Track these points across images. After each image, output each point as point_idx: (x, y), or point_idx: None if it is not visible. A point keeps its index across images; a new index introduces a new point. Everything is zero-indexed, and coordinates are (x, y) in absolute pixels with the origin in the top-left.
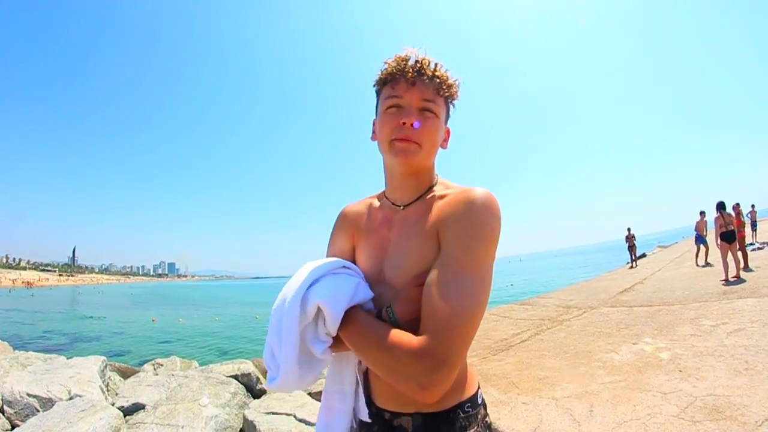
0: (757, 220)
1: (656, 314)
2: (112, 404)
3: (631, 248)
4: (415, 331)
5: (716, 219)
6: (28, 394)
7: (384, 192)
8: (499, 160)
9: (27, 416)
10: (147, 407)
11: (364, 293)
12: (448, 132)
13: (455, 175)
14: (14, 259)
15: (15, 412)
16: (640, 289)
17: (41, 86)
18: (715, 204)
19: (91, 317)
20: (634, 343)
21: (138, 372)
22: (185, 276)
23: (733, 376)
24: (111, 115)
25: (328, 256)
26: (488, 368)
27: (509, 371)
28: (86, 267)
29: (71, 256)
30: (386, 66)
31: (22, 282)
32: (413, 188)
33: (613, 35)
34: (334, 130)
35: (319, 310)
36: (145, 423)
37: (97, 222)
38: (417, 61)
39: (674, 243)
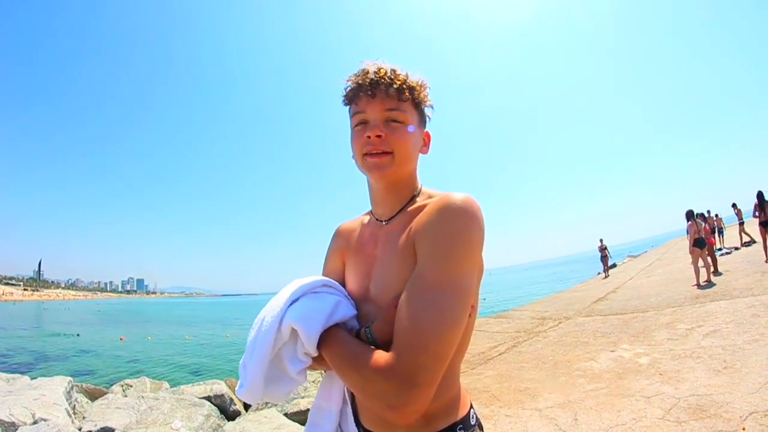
0: (723, 226)
1: (631, 321)
2: (79, 429)
3: (604, 258)
4: None
5: (690, 226)
6: None
7: (371, 210)
8: (464, 175)
9: None
10: (116, 431)
11: (345, 311)
12: (427, 135)
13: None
14: None
15: None
16: (613, 297)
17: (7, 94)
18: (684, 213)
19: (65, 335)
20: (612, 351)
21: (106, 393)
22: (154, 293)
23: (713, 375)
24: (81, 129)
25: (322, 274)
26: (468, 382)
27: (489, 384)
28: (52, 282)
29: (37, 269)
30: (348, 83)
31: None
32: (394, 201)
33: (580, 48)
34: (309, 146)
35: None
36: None
37: (64, 235)
38: (374, 73)
39: (644, 252)
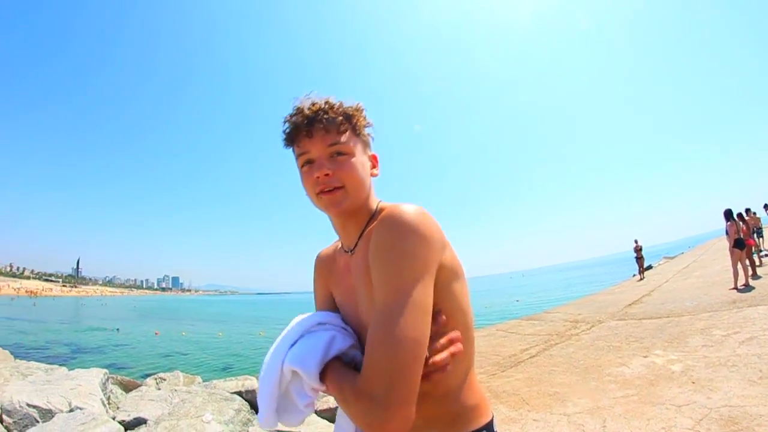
0: (762, 226)
1: (666, 326)
2: (113, 418)
3: (639, 260)
4: None
5: (729, 226)
6: (28, 404)
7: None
8: (499, 175)
9: (26, 426)
10: (149, 422)
11: (341, 344)
12: (375, 158)
13: (456, 191)
14: (18, 268)
15: (14, 422)
16: (648, 301)
17: (45, 92)
18: (723, 212)
19: (104, 329)
20: (644, 356)
21: (140, 386)
22: (189, 290)
23: (748, 385)
24: (117, 126)
25: (316, 304)
26: (497, 385)
27: (519, 387)
28: (90, 279)
29: (75, 267)
30: (285, 125)
31: (26, 291)
32: (354, 230)
33: (613, 41)
34: None
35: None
36: None
37: (102, 234)
38: (309, 109)
39: (680, 254)
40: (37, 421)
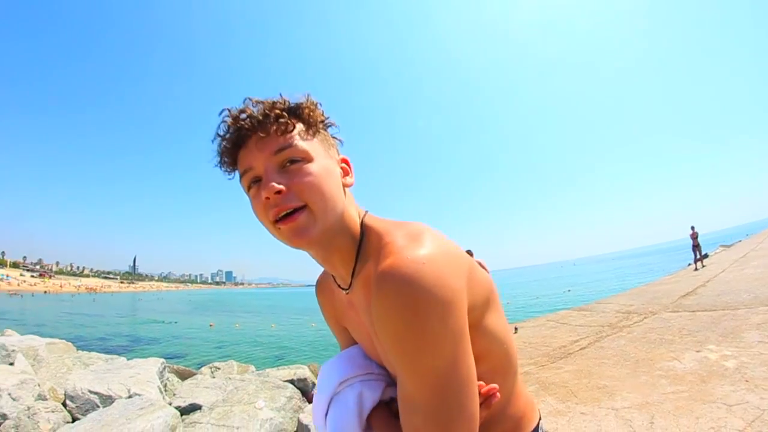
0: None
1: (721, 319)
2: (170, 404)
3: (696, 248)
4: None
5: None
6: (90, 391)
7: None
8: (549, 164)
9: (87, 411)
10: (203, 408)
11: (372, 393)
12: (346, 162)
13: (506, 179)
14: (78, 267)
15: (76, 406)
16: (702, 292)
17: (97, 91)
18: None
19: (163, 322)
20: (697, 351)
21: (195, 374)
22: (242, 284)
23: None
24: (161, 127)
25: (333, 333)
26: (546, 376)
27: (568, 380)
28: (146, 275)
29: (132, 264)
30: (218, 146)
31: (86, 288)
32: (340, 266)
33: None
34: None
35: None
36: (200, 423)
37: (157, 232)
38: (240, 118)
39: (738, 241)
40: (98, 406)
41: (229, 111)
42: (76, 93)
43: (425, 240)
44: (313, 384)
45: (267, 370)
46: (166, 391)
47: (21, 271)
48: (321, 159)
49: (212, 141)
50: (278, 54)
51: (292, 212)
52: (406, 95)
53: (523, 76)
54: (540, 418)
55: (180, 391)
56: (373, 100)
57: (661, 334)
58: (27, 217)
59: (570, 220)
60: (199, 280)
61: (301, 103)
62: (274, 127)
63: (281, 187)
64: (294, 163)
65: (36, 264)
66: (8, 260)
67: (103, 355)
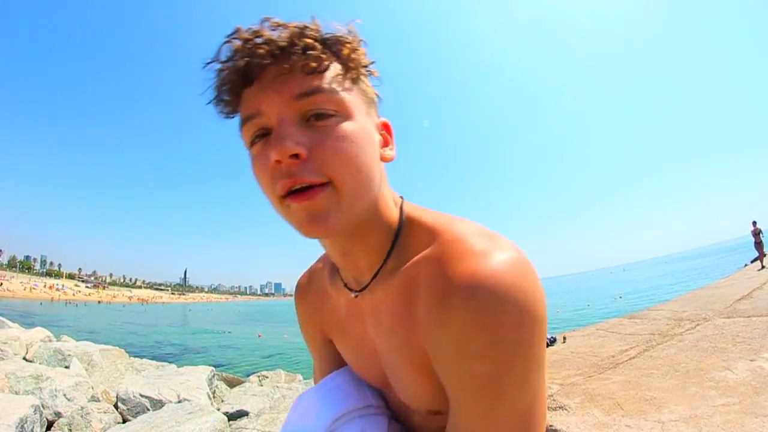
0: None
1: None
2: (218, 409)
3: (758, 245)
4: None
5: None
6: (141, 395)
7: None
8: (599, 166)
9: (138, 413)
10: (250, 414)
11: (379, 429)
12: (387, 128)
13: (552, 184)
14: (131, 279)
15: (127, 409)
16: (759, 295)
17: (143, 99)
18: None
19: (215, 332)
20: (751, 360)
21: (243, 382)
22: (291, 295)
23: None
24: (212, 135)
25: (310, 348)
26: (593, 387)
27: (615, 391)
28: (196, 287)
29: (183, 276)
30: (219, 70)
31: (138, 299)
32: (364, 261)
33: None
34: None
35: None
36: (247, 428)
37: (207, 244)
38: (255, 40)
39: None
40: (148, 409)
41: (240, 30)
42: (122, 105)
43: (506, 242)
44: None
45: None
46: (214, 397)
47: (76, 282)
48: (360, 118)
49: (205, 65)
50: None
51: (308, 188)
52: (449, 94)
53: (566, 78)
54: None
55: (228, 397)
56: (413, 101)
57: (714, 342)
58: (82, 230)
59: (617, 224)
60: (248, 292)
61: (342, 36)
62: (301, 62)
63: (300, 150)
64: (322, 117)
65: (90, 275)
66: (64, 272)
67: (154, 362)
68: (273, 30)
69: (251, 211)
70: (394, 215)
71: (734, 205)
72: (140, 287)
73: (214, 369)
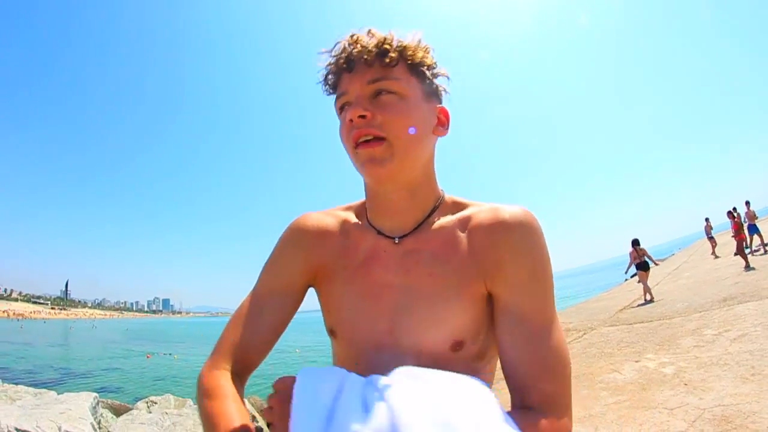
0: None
1: (657, 329)
2: None
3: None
4: None
5: (631, 253)
6: (17, 429)
7: (365, 212)
8: (483, 180)
9: None
10: None
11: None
12: (444, 113)
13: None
14: (5, 290)
15: None
16: (638, 305)
17: (28, 112)
18: (630, 241)
19: (95, 353)
20: (636, 361)
21: (131, 409)
22: (179, 312)
23: (741, 383)
24: (104, 149)
25: (265, 282)
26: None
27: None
28: (79, 301)
29: (64, 289)
30: (328, 63)
31: (13, 314)
32: (408, 209)
33: (612, 36)
34: (333, 162)
35: None
36: None
37: (91, 256)
38: (349, 44)
39: (670, 255)
40: None
41: (349, 36)
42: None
43: None
44: (254, 417)
45: None
46: (99, 428)
47: None
48: (416, 100)
49: (320, 57)
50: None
51: (372, 139)
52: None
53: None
54: None
55: (114, 427)
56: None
57: (601, 348)
58: None
59: None
60: (134, 308)
61: (408, 44)
62: (378, 60)
63: (365, 112)
64: (384, 94)
65: None
66: None
67: (31, 389)
68: (368, 37)
69: (142, 222)
70: (438, 187)
71: (612, 227)
72: (16, 300)
73: (98, 395)
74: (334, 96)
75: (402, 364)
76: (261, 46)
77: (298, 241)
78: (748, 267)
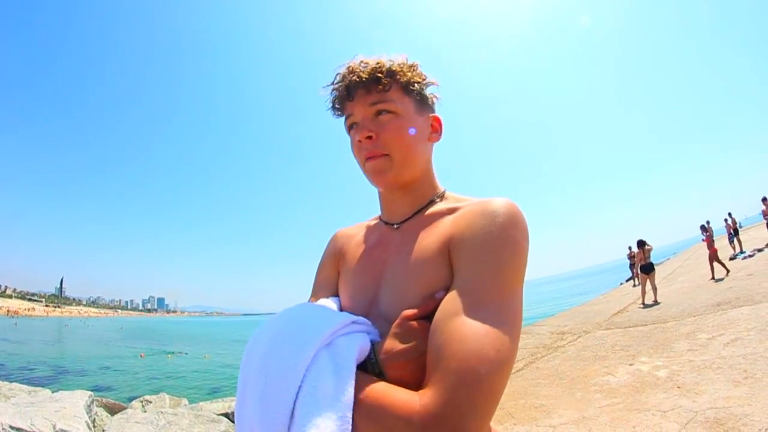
0: (738, 229)
1: (651, 333)
2: None
3: (633, 266)
4: (415, 386)
5: (637, 254)
6: (11, 427)
7: (380, 216)
8: (483, 180)
9: None
10: None
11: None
12: (437, 121)
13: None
14: None
15: None
16: (633, 309)
17: (29, 110)
18: (636, 242)
19: (91, 351)
20: (630, 364)
21: (126, 408)
22: (175, 311)
23: (733, 386)
24: (101, 147)
25: (315, 286)
26: None
27: (505, 401)
28: (74, 299)
29: (59, 286)
30: (332, 92)
31: (7, 311)
32: (407, 203)
33: (612, 38)
34: (327, 162)
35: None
36: None
37: (86, 254)
38: (348, 73)
39: (666, 259)
40: None
41: (346, 68)
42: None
43: None
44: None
45: (200, 403)
46: (94, 426)
47: None
48: (409, 116)
49: (323, 88)
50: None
51: (378, 156)
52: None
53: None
54: None
55: (109, 426)
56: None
57: (595, 351)
58: None
59: None
60: (129, 307)
61: (398, 67)
62: (374, 85)
63: (371, 133)
64: (385, 113)
65: None
66: None
67: (25, 387)
68: (361, 65)
69: (138, 221)
70: (434, 184)
71: (611, 230)
72: (10, 296)
73: (92, 394)
74: (343, 117)
75: (383, 329)
76: (260, 46)
77: (330, 248)
78: (713, 278)
